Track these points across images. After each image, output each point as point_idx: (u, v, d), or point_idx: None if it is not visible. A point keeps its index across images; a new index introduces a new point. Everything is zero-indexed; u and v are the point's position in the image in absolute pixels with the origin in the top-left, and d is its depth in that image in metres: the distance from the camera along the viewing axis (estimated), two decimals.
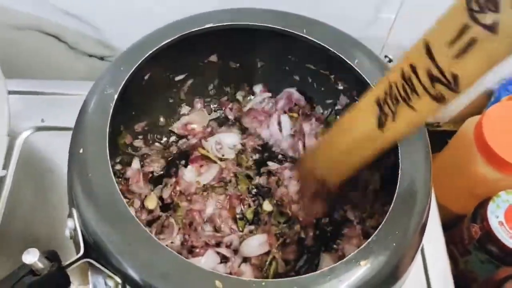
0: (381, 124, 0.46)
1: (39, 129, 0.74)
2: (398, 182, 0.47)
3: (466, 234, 0.77)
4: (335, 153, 0.56)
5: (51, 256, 0.42)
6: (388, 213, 0.45)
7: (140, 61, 0.53)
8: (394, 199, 0.46)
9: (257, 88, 0.72)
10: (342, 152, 0.54)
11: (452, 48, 0.36)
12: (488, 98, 0.92)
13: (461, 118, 0.92)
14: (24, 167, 0.71)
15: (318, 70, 0.65)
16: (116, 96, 0.50)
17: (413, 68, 0.40)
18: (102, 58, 0.83)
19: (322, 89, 0.68)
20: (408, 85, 0.41)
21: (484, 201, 0.74)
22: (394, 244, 0.43)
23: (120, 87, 0.51)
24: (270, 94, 0.71)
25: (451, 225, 0.83)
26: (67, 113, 0.52)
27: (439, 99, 0.40)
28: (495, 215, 0.71)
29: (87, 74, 0.81)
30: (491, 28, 0.33)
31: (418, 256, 0.67)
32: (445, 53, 0.37)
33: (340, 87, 0.65)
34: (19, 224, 0.66)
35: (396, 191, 0.46)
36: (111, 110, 0.49)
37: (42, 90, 0.76)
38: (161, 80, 0.64)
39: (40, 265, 0.40)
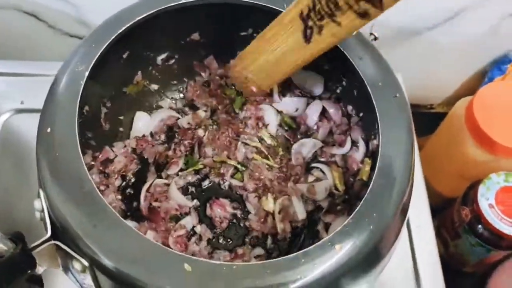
0: (306, 37, 0.49)
1: (19, 111, 0.73)
2: (377, 164, 0.45)
3: (456, 217, 0.76)
4: (263, 62, 0.58)
5: (16, 237, 0.40)
6: (365, 195, 0.43)
7: (113, 37, 0.51)
8: (372, 181, 0.44)
9: None
10: (270, 62, 0.57)
11: None
12: (481, 79, 0.90)
13: (454, 100, 0.90)
14: (3, 150, 0.70)
15: None
16: (86, 74, 0.49)
17: None
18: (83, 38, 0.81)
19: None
20: (332, 1, 0.43)
21: (475, 183, 0.73)
22: (371, 227, 0.42)
23: (91, 65, 0.49)
24: None
25: (442, 208, 0.82)
26: None
27: (363, 15, 0.41)
28: (485, 198, 0.70)
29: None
30: None
31: (405, 240, 0.66)
32: None
33: (326, 67, 0.63)
34: None
35: (375, 172, 0.45)
36: (81, 88, 0.48)
37: (21, 72, 0.75)
38: (141, 59, 0.62)
39: (2, 247, 0.39)
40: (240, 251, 0.60)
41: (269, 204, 0.62)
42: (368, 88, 0.49)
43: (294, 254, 0.40)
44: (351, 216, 0.42)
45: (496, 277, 0.75)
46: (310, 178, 0.63)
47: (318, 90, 0.66)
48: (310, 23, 0.47)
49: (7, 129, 0.71)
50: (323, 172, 0.62)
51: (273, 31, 0.54)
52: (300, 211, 0.60)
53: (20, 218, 0.64)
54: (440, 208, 0.82)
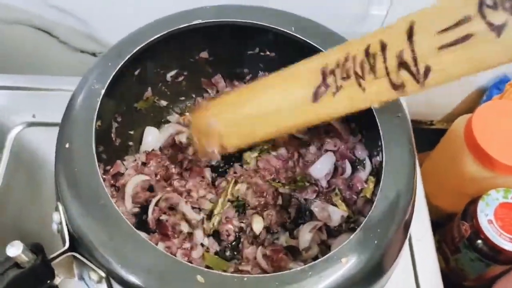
0: (317, 96, 0.41)
1: (31, 124, 0.74)
2: (381, 180, 0.47)
3: (456, 232, 0.77)
4: (248, 114, 0.48)
5: (36, 249, 0.42)
6: (370, 210, 0.45)
7: (128, 56, 0.53)
8: (376, 196, 0.46)
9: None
10: (255, 115, 0.47)
11: (440, 37, 0.32)
12: (480, 97, 0.92)
13: (454, 117, 0.92)
14: (15, 163, 0.71)
15: None
16: (103, 92, 0.51)
17: (383, 45, 0.35)
18: (94, 54, 0.83)
19: None
20: (369, 62, 0.36)
21: (474, 199, 0.74)
22: (375, 242, 0.43)
23: (107, 83, 0.51)
24: None
25: (443, 223, 0.84)
26: (59, 109, 0.52)
27: (397, 87, 0.35)
28: (484, 214, 0.71)
29: (79, 70, 0.81)
30: (497, 29, 0.29)
31: (407, 254, 0.68)
32: (428, 40, 0.33)
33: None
34: (10, 219, 0.66)
35: (379, 188, 0.46)
36: (98, 105, 0.50)
37: (33, 86, 0.76)
38: (151, 76, 0.64)
39: (24, 257, 0.40)
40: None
41: (258, 224, 0.63)
42: (372, 108, 0.51)
43: (302, 267, 0.42)
44: (356, 232, 0.44)
45: None
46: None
47: None
48: (330, 80, 0.40)
49: (19, 142, 0.73)
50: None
51: (274, 81, 0.47)
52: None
53: (32, 229, 0.66)
54: (441, 223, 0.84)
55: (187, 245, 0.61)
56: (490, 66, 0.31)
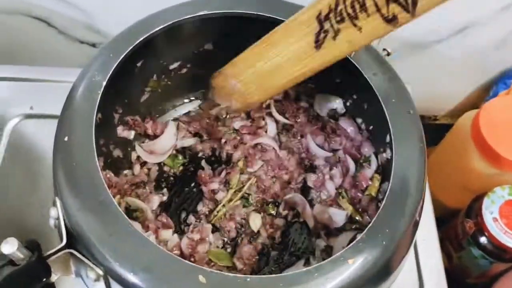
0: (318, 42, 0.43)
1: (28, 116, 0.72)
2: (391, 179, 0.46)
3: (460, 230, 0.76)
4: (261, 69, 0.51)
5: (32, 246, 0.41)
6: (379, 210, 0.44)
7: (130, 48, 0.52)
8: (385, 196, 0.45)
9: None
10: (265, 71, 0.51)
11: None
12: (487, 92, 0.91)
13: (459, 112, 0.91)
14: (12, 155, 0.69)
15: None
16: (104, 83, 0.49)
17: None
18: (94, 45, 0.81)
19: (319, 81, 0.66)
20: (358, 2, 0.38)
21: (479, 196, 0.73)
22: (383, 243, 0.42)
23: (109, 74, 0.50)
24: None
25: (446, 220, 0.83)
26: (57, 101, 0.51)
27: (390, 20, 0.37)
28: (489, 211, 0.70)
29: (79, 61, 0.80)
30: None
31: (411, 252, 0.67)
32: None
33: (338, 80, 0.64)
34: (7, 213, 0.65)
35: (388, 188, 0.45)
36: (99, 98, 0.48)
37: (31, 77, 0.75)
38: (154, 68, 0.63)
39: (19, 255, 0.39)
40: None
41: (256, 223, 0.63)
42: (382, 104, 0.50)
43: (308, 268, 0.40)
44: (364, 232, 0.42)
45: None
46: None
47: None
48: (327, 25, 0.41)
49: (16, 135, 0.71)
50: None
51: (278, 35, 0.50)
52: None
53: (30, 223, 0.64)
54: (444, 219, 0.83)
55: (196, 236, 0.60)
56: None
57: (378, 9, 0.37)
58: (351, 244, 0.42)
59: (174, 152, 0.67)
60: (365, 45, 0.43)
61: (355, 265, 0.41)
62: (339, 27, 0.41)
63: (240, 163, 0.66)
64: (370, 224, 0.43)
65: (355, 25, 0.39)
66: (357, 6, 0.38)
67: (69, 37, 0.81)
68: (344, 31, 0.41)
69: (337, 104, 0.66)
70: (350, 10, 0.39)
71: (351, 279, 0.41)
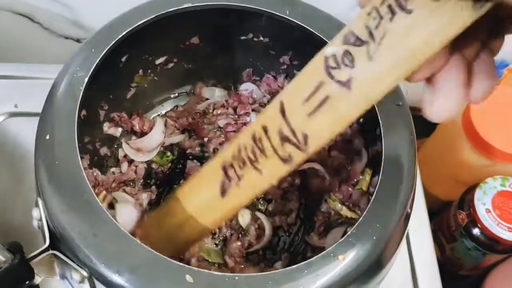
0: (224, 191, 0.43)
1: (13, 115, 0.71)
2: (381, 171, 0.45)
3: (453, 221, 0.76)
4: (167, 229, 0.50)
5: (14, 248, 0.40)
6: (369, 204, 0.43)
7: (113, 42, 0.50)
8: (375, 189, 0.44)
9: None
10: (174, 228, 0.49)
11: (306, 106, 0.35)
12: None
13: None
14: None
15: (303, 54, 0.62)
16: (86, 79, 0.48)
17: (265, 129, 0.38)
18: (78, 41, 0.80)
19: None
20: (258, 147, 0.39)
21: (471, 188, 0.73)
22: (374, 238, 0.41)
23: (91, 70, 0.48)
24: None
25: (438, 212, 0.82)
26: (42, 98, 0.49)
27: (286, 160, 0.38)
28: (482, 202, 0.70)
29: (64, 58, 0.79)
30: (345, 84, 0.32)
31: (403, 244, 0.66)
32: (298, 112, 0.35)
33: None
34: None
35: (379, 180, 0.44)
36: (81, 94, 0.47)
37: (15, 74, 0.74)
38: (139, 62, 0.61)
39: (0, 257, 0.38)
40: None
41: (245, 219, 0.62)
42: None
43: (297, 265, 0.39)
44: (354, 226, 0.42)
45: (491, 280, 0.75)
46: None
47: None
48: (231, 173, 0.41)
49: (1, 133, 0.70)
50: None
51: (194, 181, 0.47)
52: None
53: (15, 224, 0.63)
54: (436, 211, 0.82)
55: None
56: (349, 119, 0.34)
57: (275, 151, 0.38)
58: (341, 240, 0.41)
59: (162, 149, 0.66)
60: (267, 186, 0.42)
61: (345, 261, 0.40)
62: (241, 173, 0.41)
63: None
64: (361, 219, 0.42)
65: (255, 168, 0.40)
66: (257, 151, 0.39)
67: (53, 33, 0.79)
68: (246, 176, 0.41)
69: None
70: (251, 155, 0.40)
71: (341, 276, 0.40)
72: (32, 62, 0.76)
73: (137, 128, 0.64)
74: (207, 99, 0.69)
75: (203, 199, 0.46)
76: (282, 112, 0.37)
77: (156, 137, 0.65)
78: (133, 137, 0.65)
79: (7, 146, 0.69)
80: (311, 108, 0.34)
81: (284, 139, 0.37)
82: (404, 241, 0.66)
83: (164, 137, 0.65)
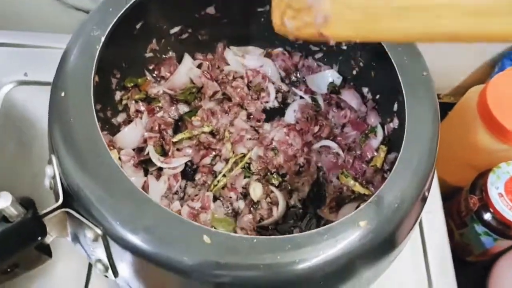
0: None
1: (22, 83, 0.70)
2: (403, 143, 0.44)
3: (463, 206, 0.75)
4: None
5: (26, 203, 0.38)
6: (390, 174, 0.42)
7: (131, 3, 0.49)
8: (397, 160, 0.43)
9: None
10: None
11: None
12: (491, 69, 0.89)
13: (462, 90, 0.89)
14: (5, 122, 0.67)
15: None
16: (103, 39, 0.47)
17: None
18: (88, 12, 0.78)
19: (324, 48, 0.65)
20: None
21: (484, 172, 0.72)
22: (395, 205, 0.40)
23: (108, 29, 0.47)
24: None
25: (448, 198, 0.81)
26: (52, 67, 0.48)
27: None
28: (495, 186, 0.69)
29: (74, 29, 0.78)
30: None
31: (416, 227, 0.65)
32: None
33: (344, 47, 0.62)
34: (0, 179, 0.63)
35: (400, 151, 0.43)
36: (97, 53, 0.46)
37: (26, 43, 0.73)
38: (154, 31, 0.60)
39: (13, 211, 0.37)
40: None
41: (256, 192, 0.61)
42: (395, 65, 0.47)
43: (317, 229, 0.38)
44: (375, 194, 0.40)
45: (499, 266, 0.75)
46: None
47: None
48: None
49: (10, 101, 0.69)
50: None
51: None
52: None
53: (23, 190, 0.62)
54: (446, 197, 0.81)
55: (197, 204, 0.58)
56: None
57: None
58: (362, 206, 0.40)
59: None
60: None
61: (366, 227, 0.39)
62: None
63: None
64: (381, 187, 0.41)
65: None
66: None
67: (65, 4, 0.78)
68: None
69: (331, 76, 0.64)
70: None
71: (361, 243, 0.39)
72: (43, 31, 0.75)
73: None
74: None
75: None
76: None
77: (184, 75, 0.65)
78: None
79: (16, 114, 0.68)
80: None
81: None
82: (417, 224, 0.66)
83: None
